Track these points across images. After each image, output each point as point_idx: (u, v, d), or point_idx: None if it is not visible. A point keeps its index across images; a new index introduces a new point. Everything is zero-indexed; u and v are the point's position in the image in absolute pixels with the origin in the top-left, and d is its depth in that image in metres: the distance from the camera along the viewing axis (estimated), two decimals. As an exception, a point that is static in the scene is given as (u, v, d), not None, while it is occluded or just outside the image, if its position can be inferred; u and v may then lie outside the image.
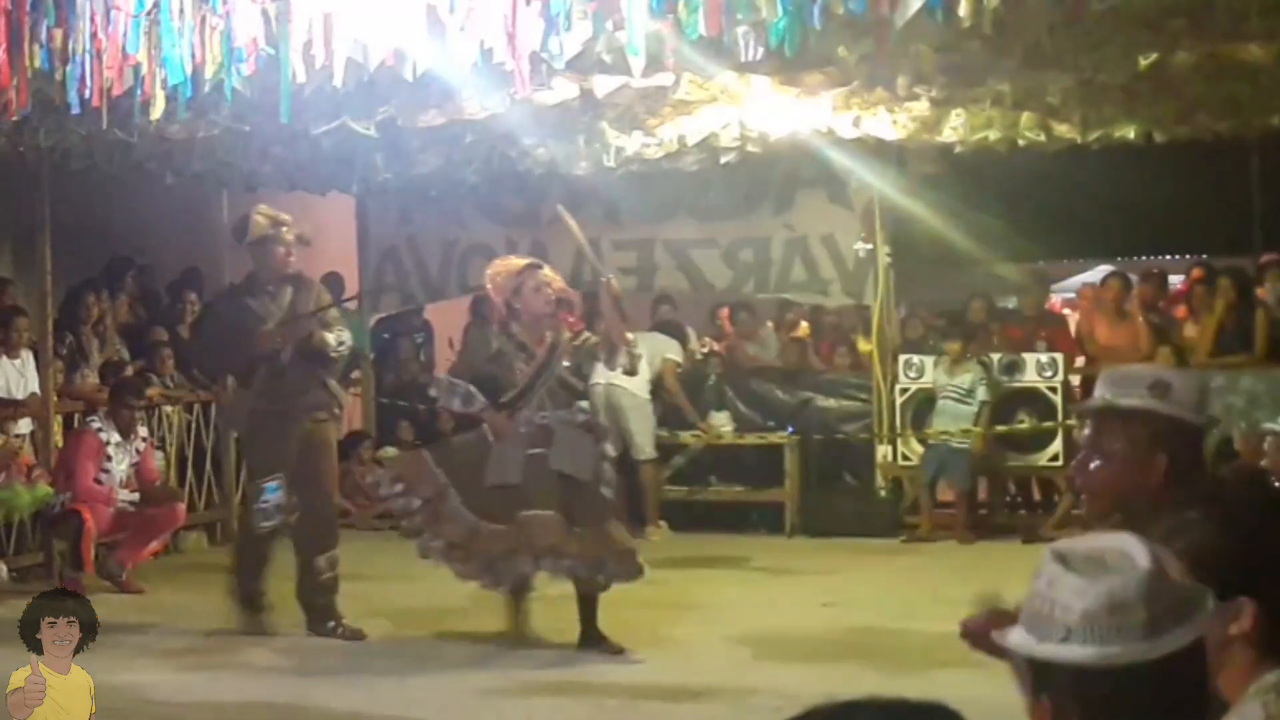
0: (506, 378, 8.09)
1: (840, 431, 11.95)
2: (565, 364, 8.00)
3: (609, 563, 7.82)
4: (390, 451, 12.50)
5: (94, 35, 5.93)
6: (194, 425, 11.58)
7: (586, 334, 8.19)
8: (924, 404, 11.61)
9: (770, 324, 13.14)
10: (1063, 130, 9.43)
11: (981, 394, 11.27)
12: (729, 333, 12.90)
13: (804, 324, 13.01)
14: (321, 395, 8.46)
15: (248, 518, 8.58)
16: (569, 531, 7.75)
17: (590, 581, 7.88)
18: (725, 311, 13.04)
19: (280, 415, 8.27)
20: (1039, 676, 2.18)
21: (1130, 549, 2.20)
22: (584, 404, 8.11)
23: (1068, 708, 2.15)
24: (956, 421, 11.25)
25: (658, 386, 11.84)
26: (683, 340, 12.40)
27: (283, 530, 8.50)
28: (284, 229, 8.48)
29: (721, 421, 12.10)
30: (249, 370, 8.41)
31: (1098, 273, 13.73)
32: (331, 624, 8.37)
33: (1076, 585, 2.17)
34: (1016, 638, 2.20)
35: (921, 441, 11.51)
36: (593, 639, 7.91)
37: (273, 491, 8.29)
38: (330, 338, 8.38)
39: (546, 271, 8.24)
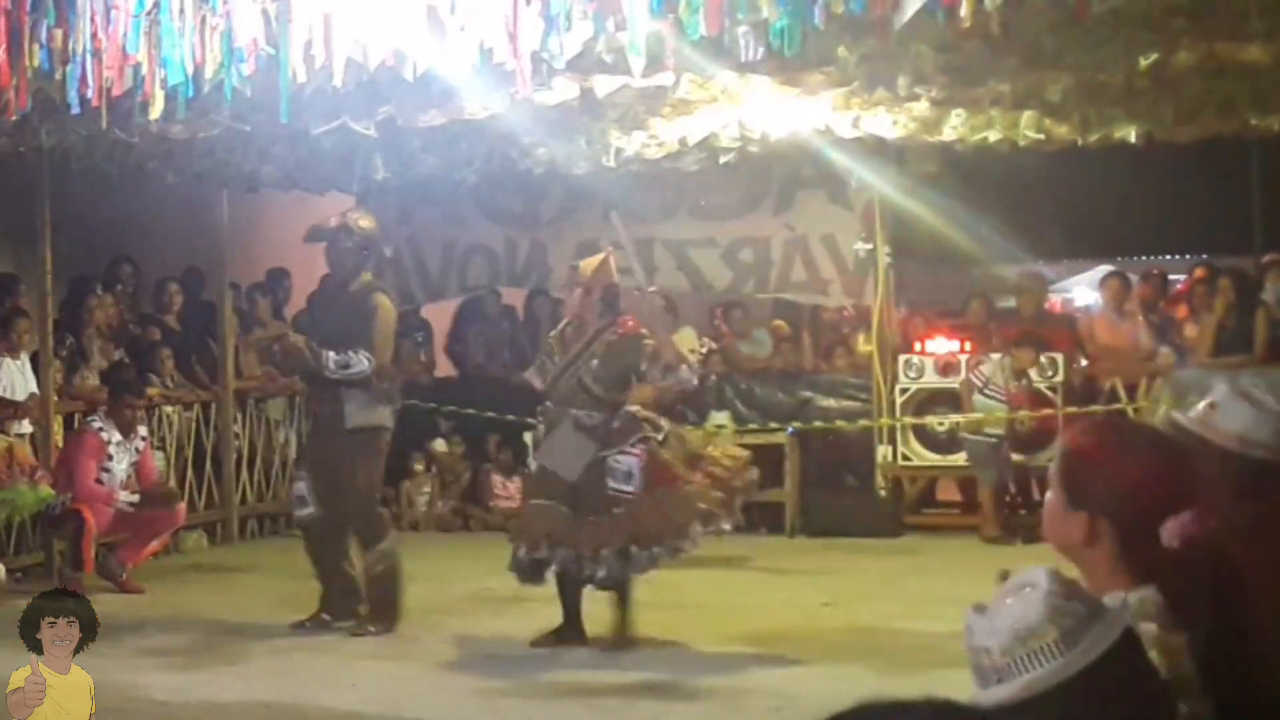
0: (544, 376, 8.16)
1: (840, 429, 11.96)
2: (594, 363, 7.97)
3: (613, 559, 7.80)
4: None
5: (94, 35, 5.94)
6: (194, 425, 11.58)
7: (644, 336, 8.08)
8: (925, 404, 11.63)
9: (777, 322, 13.13)
10: (1063, 130, 9.43)
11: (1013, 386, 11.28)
12: (724, 332, 12.90)
13: (777, 321, 12.98)
14: (344, 405, 8.30)
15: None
16: (571, 524, 7.75)
17: (583, 577, 7.87)
18: (719, 311, 13.04)
19: (314, 418, 8.57)
20: None
21: (1032, 577, 2.26)
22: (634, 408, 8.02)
23: None
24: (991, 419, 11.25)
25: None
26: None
27: (313, 521, 8.54)
28: (344, 235, 8.47)
29: (721, 421, 12.09)
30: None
31: (1098, 273, 13.74)
32: (371, 626, 8.34)
33: (988, 626, 2.23)
34: (973, 696, 2.24)
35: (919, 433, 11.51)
36: (620, 635, 7.93)
37: (299, 482, 8.60)
38: (332, 358, 8.24)
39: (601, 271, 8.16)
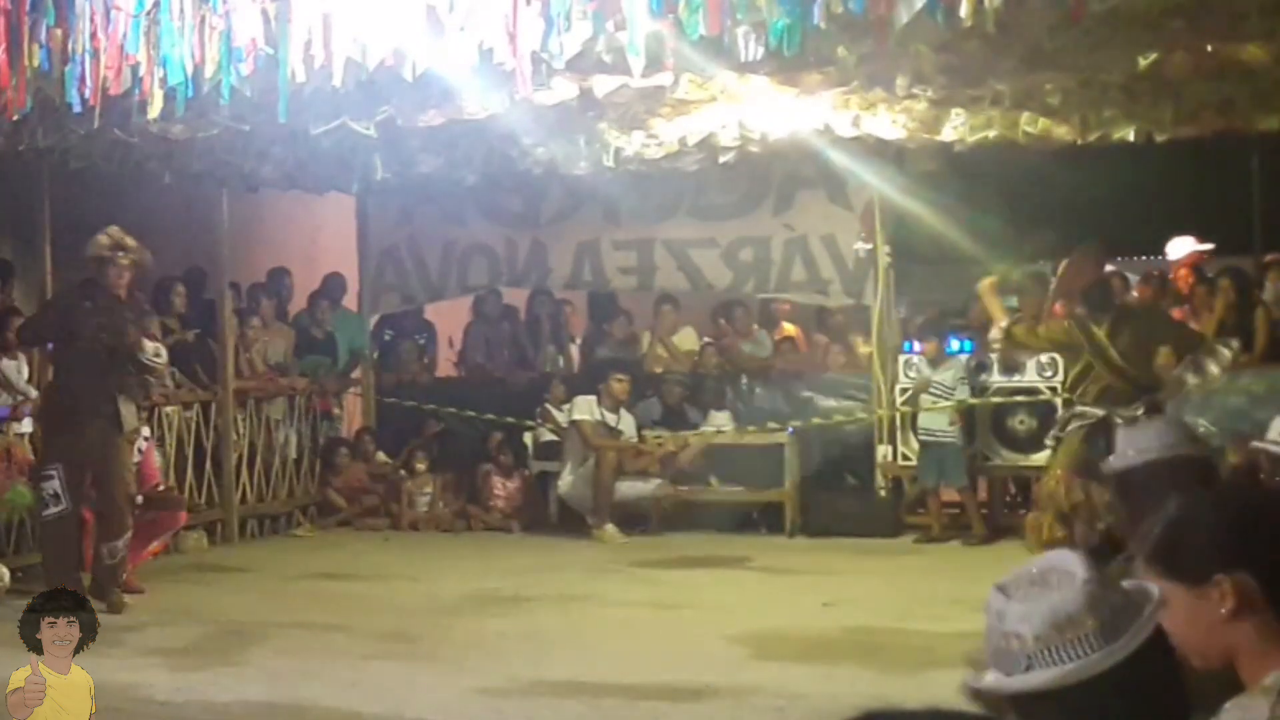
0: None
1: (838, 428, 11.97)
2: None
3: None
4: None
5: (93, 35, 5.94)
6: (194, 425, 11.57)
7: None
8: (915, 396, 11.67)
9: (785, 322, 13.13)
10: (1062, 130, 9.43)
11: (962, 391, 11.30)
12: (725, 331, 12.90)
13: (786, 324, 13.00)
14: (114, 402, 9.07)
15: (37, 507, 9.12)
16: None
17: None
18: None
19: (87, 415, 8.95)
20: (1019, 710, 2.18)
21: (1067, 564, 2.20)
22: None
23: None
24: (938, 417, 11.27)
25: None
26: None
27: (68, 517, 8.98)
28: (121, 254, 9.03)
29: (721, 421, 12.10)
30: (52, 348, 9.13)
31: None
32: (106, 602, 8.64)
33: (1022, 612, 2.17)
34: (989, 679, 2.21)
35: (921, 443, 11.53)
36: None
37: (46, 479, 9.00)
38: (149, 345, 9.16)
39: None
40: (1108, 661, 2.12)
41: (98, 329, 8.91)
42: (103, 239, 9.02)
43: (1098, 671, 2.12)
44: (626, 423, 11.97)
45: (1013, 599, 2.20)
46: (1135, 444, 3.82)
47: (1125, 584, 2.22)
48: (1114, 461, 3.89)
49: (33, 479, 9.21)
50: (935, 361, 11.47)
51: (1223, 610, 2.22)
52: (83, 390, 8.96)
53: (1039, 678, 2.14)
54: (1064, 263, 8.80)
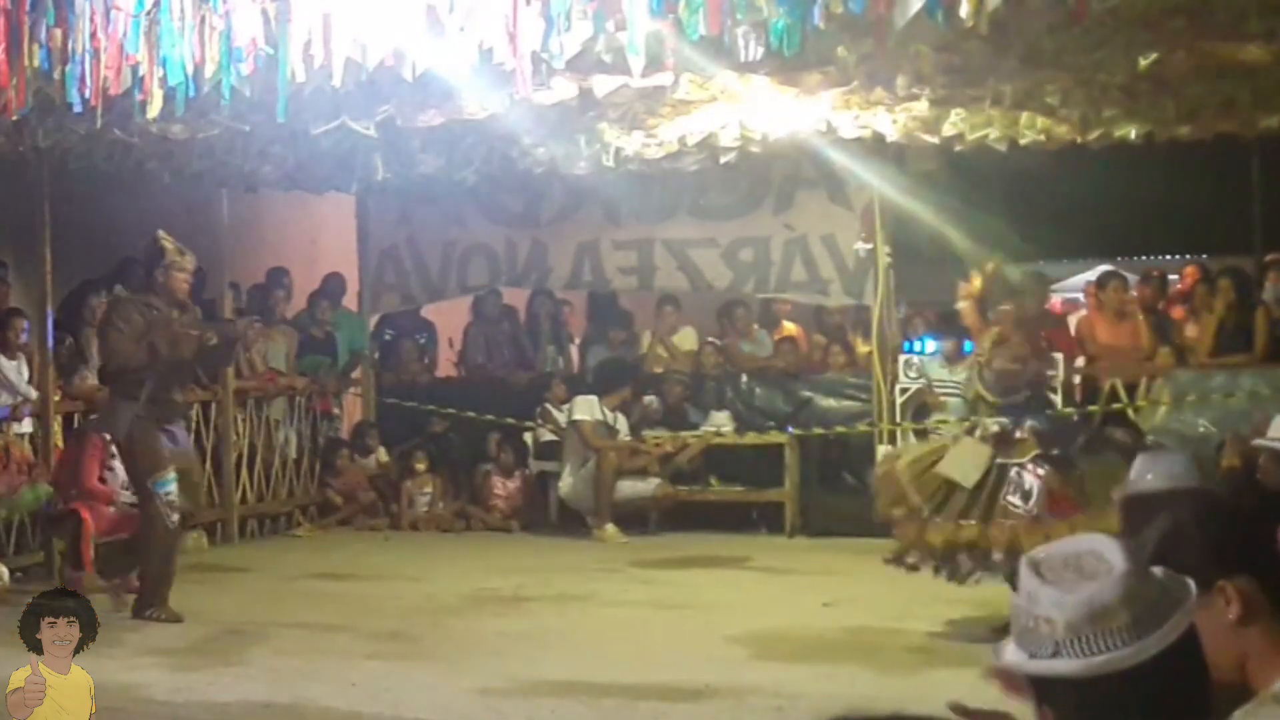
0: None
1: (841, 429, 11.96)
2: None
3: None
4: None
5: (93, 35, 5.94)
6: (194, 425, 11.56)
7: None
8: (924, 404, 11.61)
9: (789, 326, 13.13)
10: (1063, 130, 9.43)
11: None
12: (725, 331, 12.89)
13: (787, 324, 12.99)
14: (184, 405, 9.46)
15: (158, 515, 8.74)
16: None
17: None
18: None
19: (155, 420, 8.81)
20: (1038, 690, 2.16)
21: (1105, 551, 2.16)
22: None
23: (1070, 717, 2.14)
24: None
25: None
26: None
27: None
28: (186, 257, 9.01)
29: (721, 421, 12.10)
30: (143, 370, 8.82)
31: (1097, 273, 13.75)
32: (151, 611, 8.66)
33: (1055, 598, 2.13)
34: (1011, 655, 2.19)
35: (920, 435, 11.51)
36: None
37: (168, 485, 8.74)
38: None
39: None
40: (1137, 658, 2.10)
41: (182, 335, 8.89)
42: (168, 244, 8.97)
43: (1125, 666, 2.11)
44: (620, 422, 11.97)
45: (1047, 582, 2.16)
46: (1155, 471, 3.82)
47: (1161, 576, 2.20)
48: (1133, 485, 3.90)
49: (140, 486, 8.93)
50: (952, 360, 11.42)
51: (1230, 616, 2.23)
52: (169, 394, 8.97)
53: (1065, 666, 2.11)
54: (983, 273, 8.59)
